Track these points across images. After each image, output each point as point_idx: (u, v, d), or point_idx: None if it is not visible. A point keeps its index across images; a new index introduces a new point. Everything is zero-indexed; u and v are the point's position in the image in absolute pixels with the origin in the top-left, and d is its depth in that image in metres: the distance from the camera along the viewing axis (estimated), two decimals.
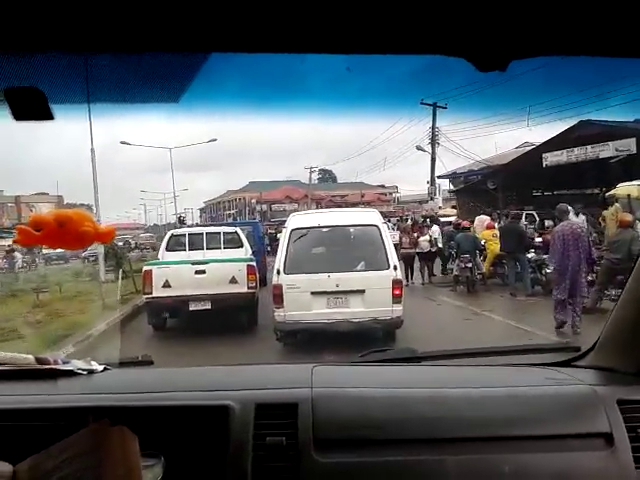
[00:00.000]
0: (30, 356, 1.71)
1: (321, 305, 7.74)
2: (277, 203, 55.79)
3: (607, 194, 15.80)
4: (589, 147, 20.66)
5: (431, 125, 27.31)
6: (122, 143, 30.96)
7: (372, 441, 1.45)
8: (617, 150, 19.54)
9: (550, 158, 22.25)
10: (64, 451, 1.21)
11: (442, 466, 1.41)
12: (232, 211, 65.68)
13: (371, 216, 8.69)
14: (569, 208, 9.52)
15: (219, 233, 12.11)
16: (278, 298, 7.79)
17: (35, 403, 1.54)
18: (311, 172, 57.99)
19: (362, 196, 51.40)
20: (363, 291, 7.69)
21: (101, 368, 1.78)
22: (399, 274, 7.87)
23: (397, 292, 7.66)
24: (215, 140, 32.16)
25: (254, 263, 9.93)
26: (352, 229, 8.60)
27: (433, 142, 26.98)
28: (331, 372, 1.83)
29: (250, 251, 11.71)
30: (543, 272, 11.63)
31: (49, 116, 1.02)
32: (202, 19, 0.79)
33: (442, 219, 22.16)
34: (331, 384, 1.64)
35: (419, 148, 27.60)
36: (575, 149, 21.19)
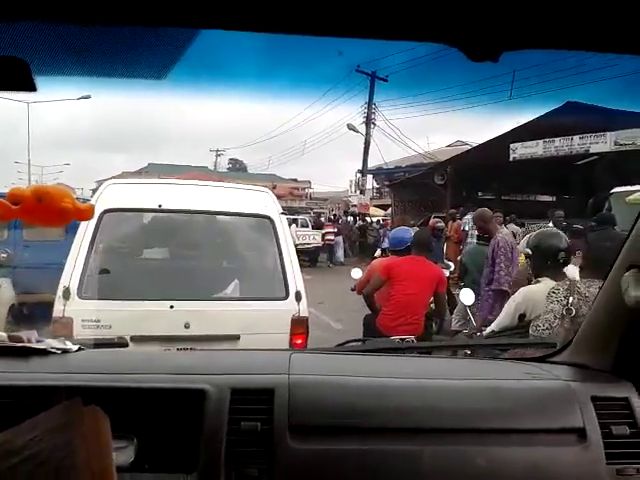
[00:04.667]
0: (3, 333, 1.67)
1: None
2: None
3: (630, 198, 11.29)
4: (577, 137, 15.79)
5: (367, 101, 21.62)
6: None
7: (349, 429, 1.44)
8: (617, 144, 14.73)
9: (520, 150, 17.26)
10: (34, 429, 1.16)
11: (418, 456, 1.42)
12: None
13: (260, 199, 4.63)
14: None
15: None
16: None
17: (6, 381, 1.49)
18: (217, 155, 52.42)
19: (274, 187, 46.36)
20: (237, 337, 3.94)
21: (75, 348, 1.72)
22: (303, 308, 4.21)
23: (299, 341, 4.11)
24: (88, 97, 25.08)
25: None
26: (224, 220, 4.60)
27: (368, 121, 21.33)
28: (309, 359, 1.83)
29: None
30: None
31: (31, 87, 1.00)
32: None
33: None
34: (309, 371, 1.62)
35: (350, 127, 21.75)
36: (556, 139, 16.31)
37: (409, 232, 5.58)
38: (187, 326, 3.94)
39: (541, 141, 16.61)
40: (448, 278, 7.97)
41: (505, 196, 24.64)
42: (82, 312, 3.86)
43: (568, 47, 0.92)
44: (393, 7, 0.81)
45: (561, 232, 3.89)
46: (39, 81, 1.00)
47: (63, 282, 3.94)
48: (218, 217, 4.70)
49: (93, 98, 26.57)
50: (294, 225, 20.37)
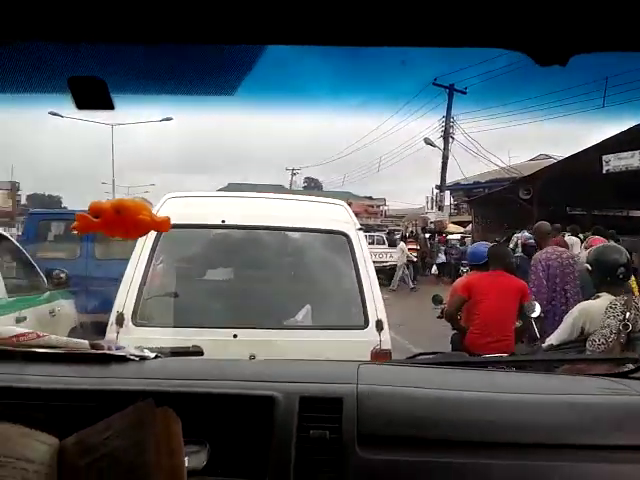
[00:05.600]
0: (85, 341, 1.74)
1: None
2: None
3: None
4: None
5: (445, 115, 20.99)
6: (51, 114, 24.44)
7: (418, 440, 1.42)
8: None
9: (614, 162, 16.08)
10: (108, 428, 1.23)
11: (489, 470, 1.38)
12: None
13: (335, 213, 4.11)
14: None
15: None
16: None
17: (86, 385, 1.57)
18: (293, 174, 53.01)
19: (349, 205, 46.14)
20: None
21: (153, 355, 1.78)
22: (385, 339, 3.56)
23: None
24: (170, 119, 26.03)
25: None
26: (294, 236, 4.06)
27: (446, 134, 20.65)
28: (378, 370, 1.85)
29: None
30: None
31: (110, 105, 1.06)
32: (216, 12, 0.82)
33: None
34: (378, 382, 1.60)
35: (428, 142, 21.13)
36: None
37: (487, 246, 5.45)
38: (252, 358, 3.26)
39: (637, 152, 15.42)
40: None
41: (597, 211, 23.15)
42: (136, 341, 3.12)
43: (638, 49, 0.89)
44: (454, 14, 0.82)
45: (622, 247, 3.85)
46: (118, 100, 1.05)
47: (117, 307, 3.55)
48: (288, 234, 4.23)
49: (175, 120, 27.61)
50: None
